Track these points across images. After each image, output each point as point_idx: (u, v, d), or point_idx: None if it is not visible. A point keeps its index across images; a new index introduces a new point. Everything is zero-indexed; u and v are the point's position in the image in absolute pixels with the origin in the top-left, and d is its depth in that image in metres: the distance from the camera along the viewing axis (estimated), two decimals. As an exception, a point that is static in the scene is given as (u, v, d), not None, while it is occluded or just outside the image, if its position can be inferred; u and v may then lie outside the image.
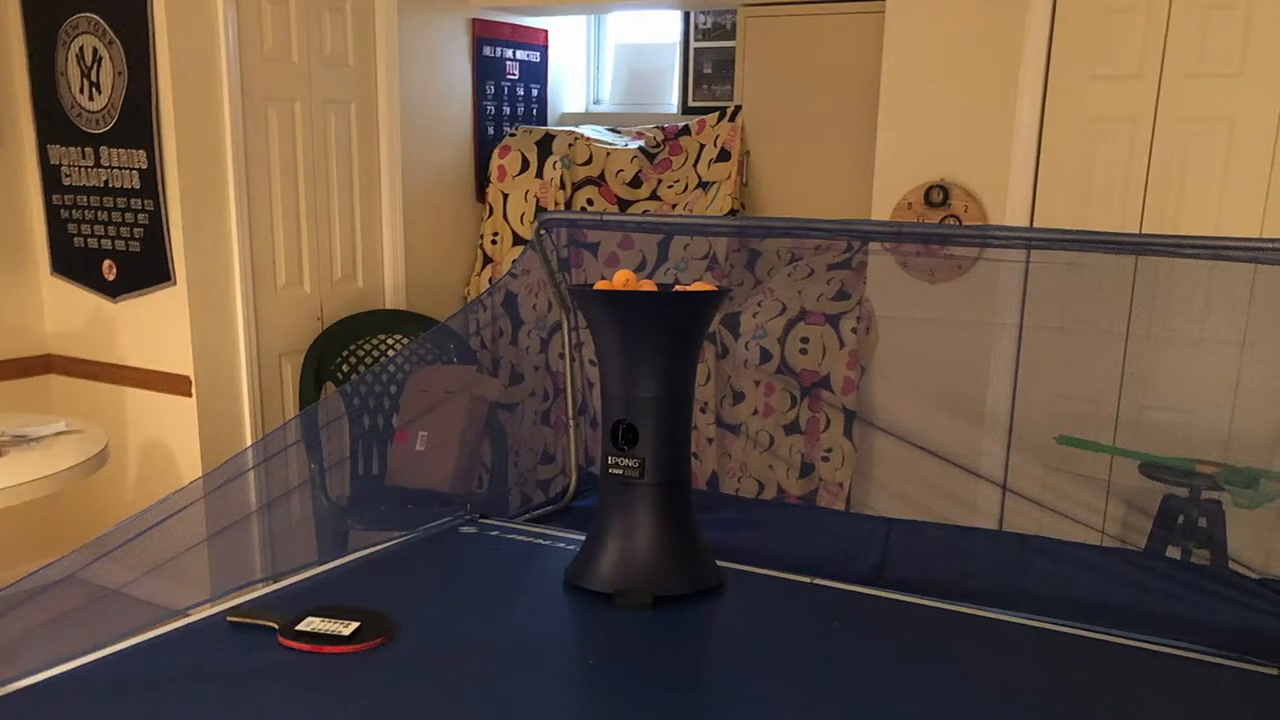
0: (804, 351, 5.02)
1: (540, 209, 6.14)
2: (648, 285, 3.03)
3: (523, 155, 6.26)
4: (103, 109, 5.19)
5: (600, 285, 2.98)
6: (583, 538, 3.08)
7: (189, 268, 5.13)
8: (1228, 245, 2.95)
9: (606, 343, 2.92)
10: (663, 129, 6.28)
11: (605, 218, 4.08)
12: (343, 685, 2.36)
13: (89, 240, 5.43)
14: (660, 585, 2.88)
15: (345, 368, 5.59)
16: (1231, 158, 4.45)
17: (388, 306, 6.05)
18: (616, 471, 2.93)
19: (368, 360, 5.67)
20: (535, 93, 6.90)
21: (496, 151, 6.36)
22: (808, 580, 3.11)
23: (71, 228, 5.48)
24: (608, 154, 6.20)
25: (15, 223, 5.56)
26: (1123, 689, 2.49)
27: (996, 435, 4.85)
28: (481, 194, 6.51)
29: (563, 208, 6.05)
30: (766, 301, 5.12)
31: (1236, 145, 4.44)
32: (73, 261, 5.53)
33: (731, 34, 6.38)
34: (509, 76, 6.67)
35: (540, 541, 3.38)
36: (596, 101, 7.33)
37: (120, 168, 5.20)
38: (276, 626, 2.58)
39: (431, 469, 4.62)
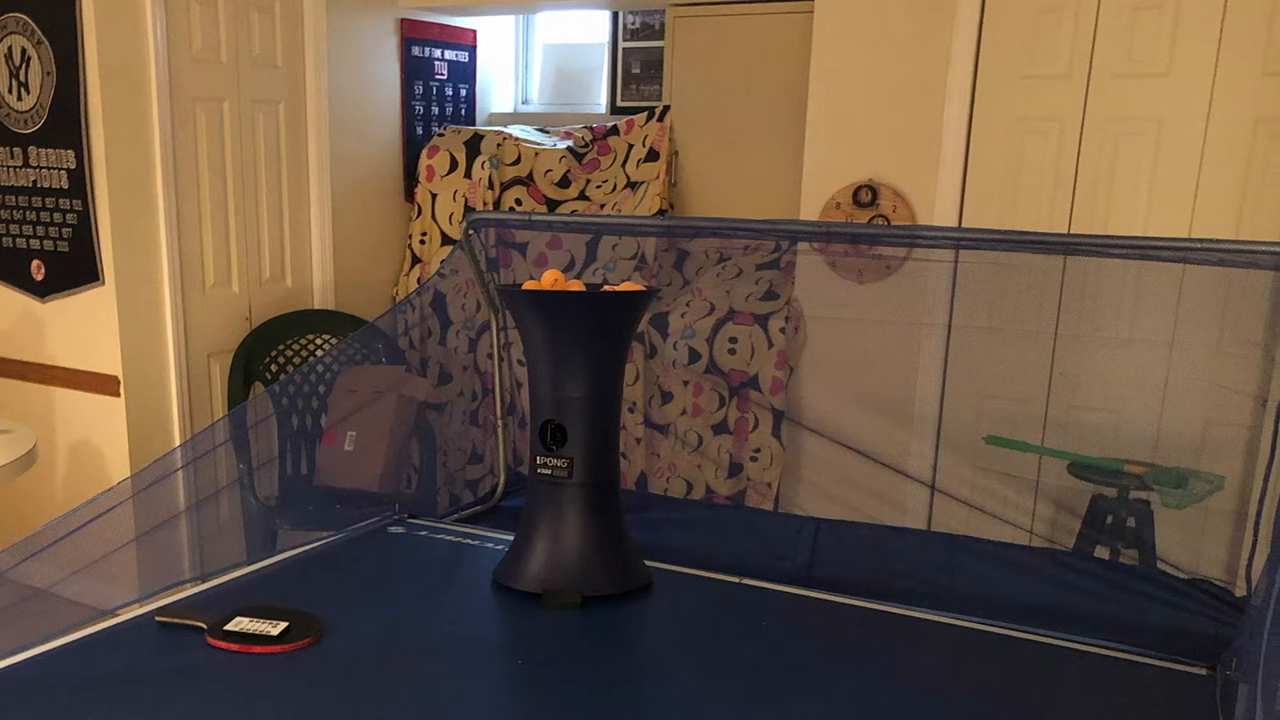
0: (732, 351, 5.03)
1: (469, 209, 6.13)
2: (576, 285, 3.03)
3: (451, 155, 6.25)
4: (31, 109, 5.15)
5: (528, 285, 2.98)
6: (511, 538, 3.08)
7: (117, 268, 5.09)
8: (1156, 245, 2.99)
9: (535, 343, 2.92)
10: (591, 129, 6.28)
11: (533, 218, 4.09)
12: (271, 685, 2.36)
13: (17, 240, 5.38)
14: (589, 585, 2.89)
15: (274, 368, 5.57)
16: (1160, 157, 4.49)
17: (316, 306, 6.03)
18: (545, 471, 2.94)
19: (296, 360, 5.66)
20: (464, 93, 6.89)
21: (425, 151, 6.36)
22: (736, 580, 3.12)
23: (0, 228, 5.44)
24: (536, 154, 6.20)
25: (-60, 222, 5.51)
26: (1051, 689, 2.52)
27: (925, 435, 4.87)
28: (410, 194, 6.50)
29: (491, 208, 6.05)
30: (695, 301, 5.13)
31: (1165, 145, 4.48)
32: (0, 262, 5.48)
33: (660, 34, 6.39)
34: (438, 76, 6.66)
35: (469, 541, 3.39)
36: (525, 101, 7.32)
37: (49, 168, 5.16)
38: (205, 626, 2.58)
39: (360, 469, 4.61)
